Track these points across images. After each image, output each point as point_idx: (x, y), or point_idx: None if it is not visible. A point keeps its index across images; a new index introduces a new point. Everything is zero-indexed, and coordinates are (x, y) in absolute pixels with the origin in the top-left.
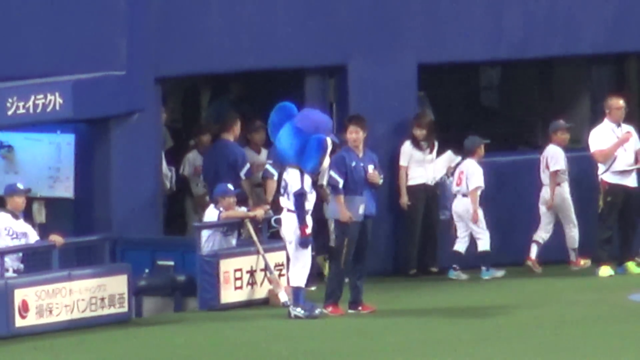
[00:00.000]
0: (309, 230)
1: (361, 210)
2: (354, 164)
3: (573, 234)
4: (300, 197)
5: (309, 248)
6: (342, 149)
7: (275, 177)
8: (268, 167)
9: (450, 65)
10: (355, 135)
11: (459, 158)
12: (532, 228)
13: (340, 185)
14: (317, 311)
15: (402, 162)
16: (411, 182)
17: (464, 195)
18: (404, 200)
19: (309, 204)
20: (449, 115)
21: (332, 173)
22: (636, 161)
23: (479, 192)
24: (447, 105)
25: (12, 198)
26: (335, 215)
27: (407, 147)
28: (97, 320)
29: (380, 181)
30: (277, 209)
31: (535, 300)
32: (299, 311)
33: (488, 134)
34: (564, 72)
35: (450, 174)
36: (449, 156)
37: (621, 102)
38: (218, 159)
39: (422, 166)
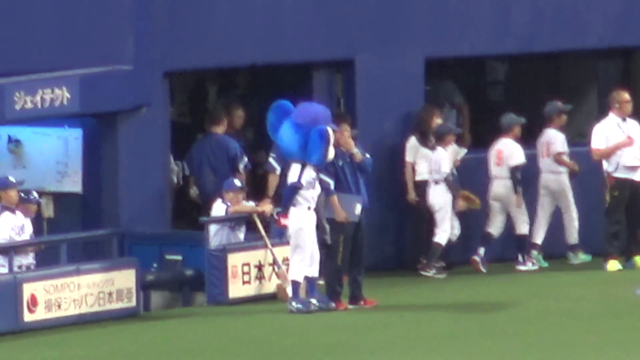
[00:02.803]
0: (283, 221)
1: (357, 210)
2: (340, 162)
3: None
4: (292, 189)
5: (309, 242)
6: None
7: (278, 172)
8: (271, 160)
9: (457, 59)
10: (346, 133)
11: (465, 151)
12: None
13: (332, 187)
14: (312, 307)
15: (408, 157)
16: (419, 178)
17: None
18: (412, 196)
19: (311, 198)
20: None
21: (322, 176)
22: None
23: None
24: None
25: (5, 192)
26: (330, 215)
27: (412, 143)
28: (105, 314)
29: (355, 150)
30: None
31: (542, 294)
32: (294, 306)
33: (494, 128)
34: (571, 66)
35: (455, 167)
36: (454, 149)
37: (627, 96)
38: (216, 152)
39: (426, 161)
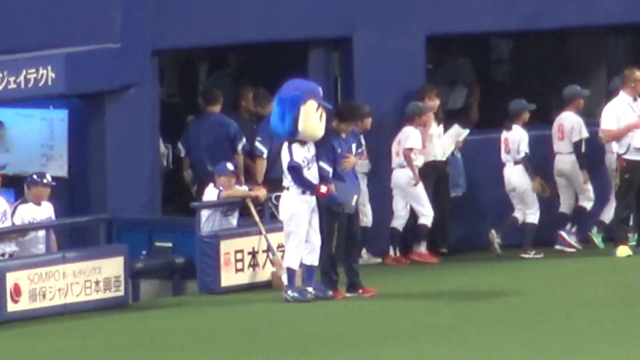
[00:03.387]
0: (323, 189)
1: (354, 201)
2: (340, 150)
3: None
4: (294, 169)
5: (302, 228)
6: (329, 135)
7: (265, 155)
8: (257, 144)
9: (460, 36)
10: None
11: (467, 131)
12: (548, 206)
13: (331, 175)
14: (308, 296)
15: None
16: (429, 158)
17: None
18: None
19: (311, 178)
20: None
21: (321, 163)
22: None
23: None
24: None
25: None
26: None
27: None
28: (93, 304)
29: (358, 161)
30: (272, 188)
31: (549, 282)
32: (289, 294)
33: (499, 109)
34: (579, 43)
35: (458, 148)
36: (456, 130)
37: (638, 74)
38: (215, 132)
39: (429, 142)
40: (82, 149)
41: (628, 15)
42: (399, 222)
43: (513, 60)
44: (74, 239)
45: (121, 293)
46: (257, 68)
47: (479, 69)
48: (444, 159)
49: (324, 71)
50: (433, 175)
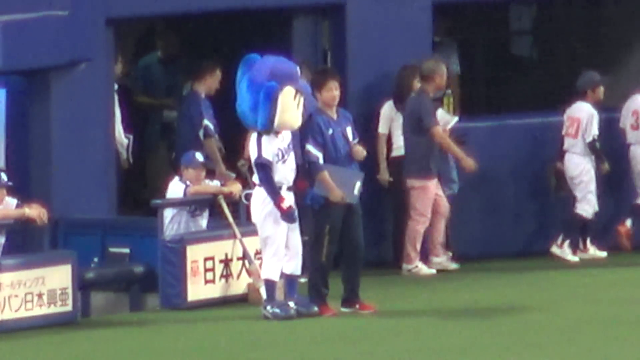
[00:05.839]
0: (286, 204)
1: (356, 189)
2: (330, 131)
3: None
4: (261, 167)
5: (281, 231)
6: (313, 114)
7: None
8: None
9: (473, 4)
10: (336, 92)
11: (456, 119)
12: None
13: (321, 161)
14: (291, 312)
15: (381, 128)
16: (396, 153)
17: None
18: (385, 176)
19: (282, 177)
20: (472, 67)
21: (309, 147)
22: None
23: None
24: (469, 54)
25: None
26: (323, 194)
27: (386, 110)
28: (34, 321)
29: (364, 154)
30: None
31: (578, 297)
32: (269, 310)
33: (520, 89)
34: (616, 11)
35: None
36: (441, 116)
37: None
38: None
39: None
40: (23, 135)
41: None
42: None
43: (536, 31)
44: (11, 243)
45: (69, 308)
46: (231, 40)
47: (496, 43)
48: None
49: (312, 44)
50: None
